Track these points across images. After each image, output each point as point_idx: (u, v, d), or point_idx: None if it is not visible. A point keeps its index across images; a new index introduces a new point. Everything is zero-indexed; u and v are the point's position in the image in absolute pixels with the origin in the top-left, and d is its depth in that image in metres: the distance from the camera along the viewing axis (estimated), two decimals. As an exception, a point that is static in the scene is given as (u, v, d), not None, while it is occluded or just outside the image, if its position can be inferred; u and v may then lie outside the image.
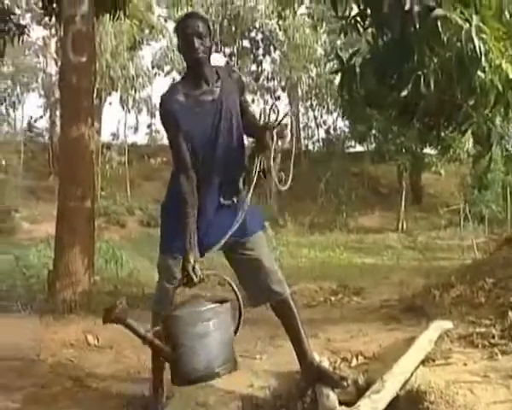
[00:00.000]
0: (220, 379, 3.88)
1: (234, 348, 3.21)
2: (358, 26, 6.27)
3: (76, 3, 6.78)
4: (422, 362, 3.98)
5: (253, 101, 31.04)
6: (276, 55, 31.30)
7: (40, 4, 10.21)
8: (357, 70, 6.10)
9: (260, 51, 31.13)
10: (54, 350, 5.05)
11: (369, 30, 6.33)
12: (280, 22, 29.82)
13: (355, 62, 6.17)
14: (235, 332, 3.25)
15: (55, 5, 9.28)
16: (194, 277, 3.18)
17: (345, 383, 3.59)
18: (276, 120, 3.34)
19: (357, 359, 4.37)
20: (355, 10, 6.41)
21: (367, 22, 6.20)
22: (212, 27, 3.55)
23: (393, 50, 5.72)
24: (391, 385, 3.49)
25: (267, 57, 31.31)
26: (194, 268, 3.20)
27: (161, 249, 3.68)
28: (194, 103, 3.46)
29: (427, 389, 3.52)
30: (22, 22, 11.86)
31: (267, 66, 31.56)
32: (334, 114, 25.33)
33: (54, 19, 10.16)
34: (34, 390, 4.11)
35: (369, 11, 6.09)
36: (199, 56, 3.41)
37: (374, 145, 24.16)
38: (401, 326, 5.33)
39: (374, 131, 21.88)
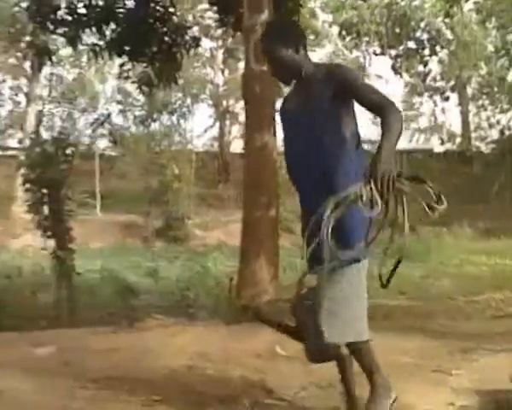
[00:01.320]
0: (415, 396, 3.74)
1: None
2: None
3: (257, 13, 6.92)
4: None
5: (421, 103, 30.37)
6: (443, 54, 30.41)
7: (215, 16, 10.52)
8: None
9: (426, 52, 30.37)
10: (242, 361, 5.05)
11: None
12: (446, 20, 28.96)
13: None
14: None
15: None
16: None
17: None
18: None
19: None
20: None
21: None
22: (296, 29, 3.77)
23: None
24: None
25: (433, 57, 30.51)
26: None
27: None
28: (292, 102, 3.65)
29: None
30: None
31: (434, 66, 30.74)
32: (509, 114, 24.06)
33: (220, 31, 10.48)
34: (229, 402, 4.08)
35: None
36: (283, 80, 3.72)
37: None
38: None
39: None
